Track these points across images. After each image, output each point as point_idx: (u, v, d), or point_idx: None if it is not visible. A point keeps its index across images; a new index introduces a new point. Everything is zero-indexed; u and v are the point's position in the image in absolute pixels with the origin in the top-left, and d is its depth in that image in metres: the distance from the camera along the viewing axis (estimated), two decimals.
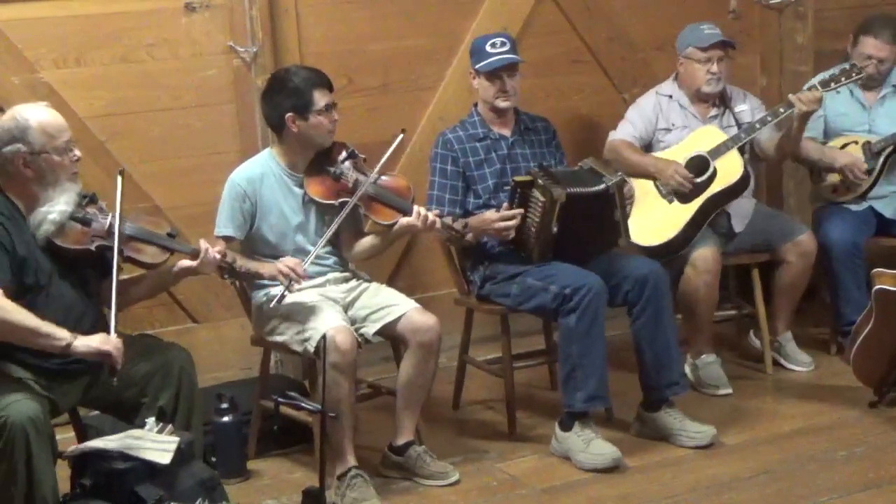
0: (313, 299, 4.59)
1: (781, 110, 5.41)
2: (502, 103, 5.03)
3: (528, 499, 4.53)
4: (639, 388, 4.99)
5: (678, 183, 5.34)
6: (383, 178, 4.74)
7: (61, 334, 3.90)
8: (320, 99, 4.61)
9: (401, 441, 4.70)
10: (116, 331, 3.98)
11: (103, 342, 3.92)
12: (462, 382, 5.42)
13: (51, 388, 4.01)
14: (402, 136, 4.79)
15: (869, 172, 5.62)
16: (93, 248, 4.10)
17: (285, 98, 4.63)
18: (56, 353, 3.93)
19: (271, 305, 4.52)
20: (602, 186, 4.81)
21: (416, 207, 4.64)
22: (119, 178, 4.20)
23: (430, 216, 4.64)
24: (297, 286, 4.51)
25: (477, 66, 5.03)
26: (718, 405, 5.28)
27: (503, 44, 5.01)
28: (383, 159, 4.69)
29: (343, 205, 4.63)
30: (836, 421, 5.06)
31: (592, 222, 4.86)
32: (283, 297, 4.49)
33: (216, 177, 4.81)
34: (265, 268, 4.56)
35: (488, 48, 5.00)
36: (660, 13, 6.26)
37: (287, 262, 4.50)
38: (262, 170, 4.72)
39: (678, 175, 5.34)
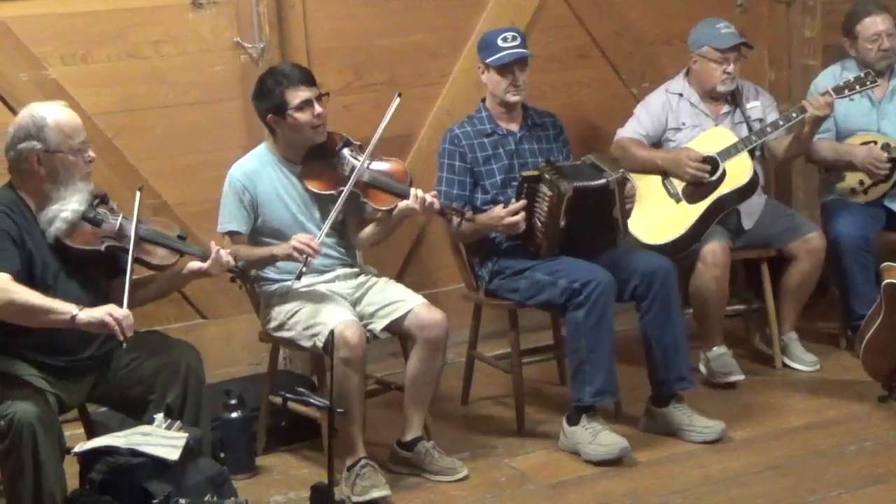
0: (322, 295, 4.59)
1: (794, 115, 5.39)
2: (513, 97, 5.02)
3: (537, 494, 4.53)
4: (647, 383, 4.98)
5: (695, 170, 5.30)
6: (378, 163, 4.73)
7: (65, 308, 3.89)
8: (294, 98, 4.60)
9: (409, 437, 4.70)
10: (130, 306, 3.96)
11: (106, 313, 3.88)
12: (470, 378, 5.42)
13: (58, 385, 4.01)
14: (398, 99, 4.74)
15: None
16: (102, 248, 4.10)
17: (262, 101, 4.67)
18: (63, 327, 3.90)
19: (292, 283, 4.55)
20: (602, 181, 4.80)
21: (413, 190, 4.63)
22: (138, 195, 4.19)
23: (428, 198, 4.62)
24: (313, 261, 4.51)
25: (488, 60, 5.01)
26: (727, 400, 5.27)
27: (514, 38, 5.00)
28: (382, 125, 4.67)
29: (342, 194, 4.62)
30: (846, 415, 5.05)
31: (593, 218, 4.85)
32: (301, 273, 4.49)
33: (223, 173, 4.80)
34: (279, 248, 4.56)
35: (500, 42, 4.99)
36: (667, 7, 6.25)
37: (300, 238, 4.49)
38: (260, 163, 4.73)
39: (692, 162, 5.32)
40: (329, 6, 5.62)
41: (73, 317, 3.88)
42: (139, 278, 4.29)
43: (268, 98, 4.64)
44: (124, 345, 3.95)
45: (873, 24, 5.66)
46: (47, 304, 3.89)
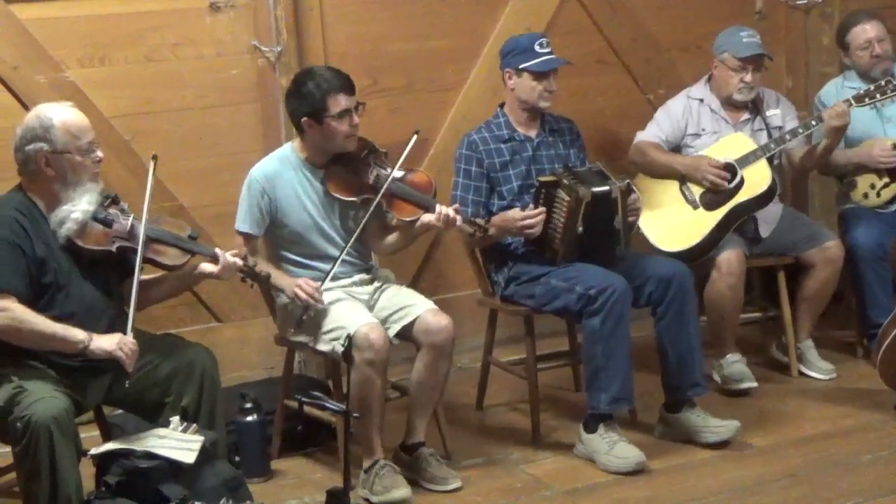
0: (340, 299, 4.59)
1: (813, 123, 5.40)
2: (545, 103, 5.02)
3: (552, 500, 4.51)
4: (661, 389, 4.96)
5: (714, 177, 5.30)
6: (405, 174, 4.71)
7: (78, 336, 3.93)
8: (335, 106, 4.55)
9: (411, 441, 4.69)
10: (134, 330, 3.99)
11: (116, 347, 3.93)
12: (486, 383, 5.41)
13: (74, 387, 4.01)
14: (415, 137, 4.72)
15: None
16: (113, 249, 4.10)
17: (300, 102, 4.60)
18: (75, 354, 3.95)
19: (291, 331, 4.58)
20: (606, 188, 4.79)
21: (438, 207, 4.61)
22: (152, 163, 4.21)
23: (451, 214, 4.60)
24: (312, 311, 4.52)
25: (524, 65, 4.97)
26: (743, 407, 5.24)
27: (548, 44, 5.01)
28: (399, 161, 4.66)
29: (365, 201, 4.62)
30: (862, 424, 5.03)
31: (595, 227, 4.83)
32: (301, 321, 4.53)
33: (240, 176, 4.80)
34: (284, 281, 4.57)
35: (537, 48, 4.97)
36: (685, 13, 6.26)
37: (305, 288, 4.50)
38: (282, 164, 4.70)
39: (711, 169, 5.31)
40: (346, 10, 5.63)
41: (86, 346, 3.93)
42: (150, 278, 4.31)
43: (306, 101, 4.58)
44: (127, 383, 4.00)
45: (863, 31, 5.70)
46: (59, 332, 3.92)
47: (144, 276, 4.25)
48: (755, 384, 5.38)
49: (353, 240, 4.59)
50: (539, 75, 4.98)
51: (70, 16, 5.17)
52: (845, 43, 5.77)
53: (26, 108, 4.94)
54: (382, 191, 4.59)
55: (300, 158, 4.70)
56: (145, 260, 4.11)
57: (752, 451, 4.82)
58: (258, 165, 4.74)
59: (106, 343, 3.94)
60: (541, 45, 4.98)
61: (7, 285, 3.90)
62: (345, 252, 4.59)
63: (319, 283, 4.55)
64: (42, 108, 4.10)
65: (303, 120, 4.61)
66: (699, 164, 5.36)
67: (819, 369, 5.60)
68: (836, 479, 4.52)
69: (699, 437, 4.85)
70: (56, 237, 4.03)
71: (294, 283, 4.53)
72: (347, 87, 4.61)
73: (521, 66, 4.98)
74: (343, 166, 4.67)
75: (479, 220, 4.71)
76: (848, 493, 4.39)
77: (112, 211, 4.14)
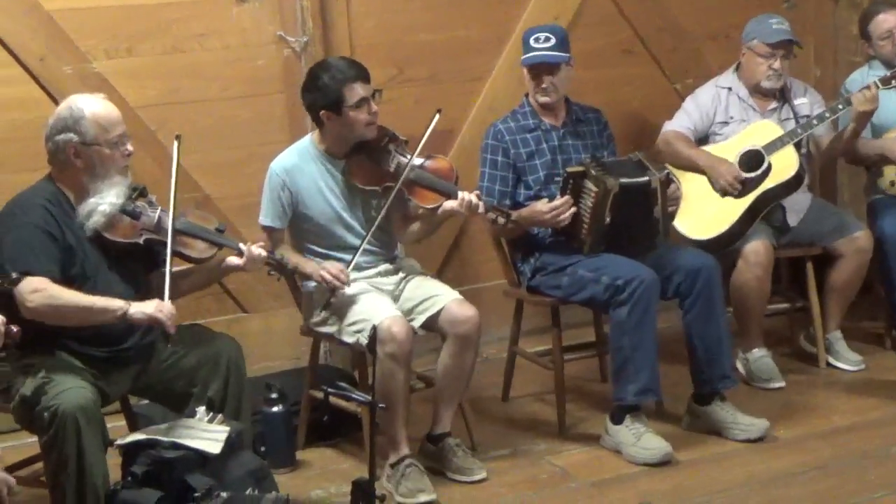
0: (365, 290, 4.58)
1: (840, 107, 5.37)
2: (541, 98, 5.00)
3: (578, 492, 4.51)
4: (689, 381, 4.94)
5: (728, 184, 5.28)
6: (425, 161, 4.70)
7: (115, 304, 3.93)
8: (352, 95, 4.54)
9: (436, 431, 4.69)
10: (171, 298, 4.00)
11: (156, 310, 3.93)
12: (512, 375, 5.40)
13: (100, 377, 4.02)
14: (437, 116, 4.70)
15: None
16: (141, 241, 4.10)
17: (317, 95, 4.59)
18: (115, 323, 3.94)
19: (318, 313, 4.58)
20: (645, 179, 4.77)
21: (461, 193, 4.59)
22: (175, 143, 4.23)
23: (474, 199, 4.58)
24: (340, 292, 4.51)
25: (522, 58, 5.00)
26: (770, 399, 5.23)
27: (547, 39, 4.94)
28: (422, 142, 4.63)
29: (386, 190, 4.61)
30: (890, 416, 5.00)
31: (633, 217, 4.82)
32: (329, 303, 4.52)
33: (265, 167, 4.79)
34: (309, 267, 4.56)
35: (532, 42, 4.96)
36: (712, 3, 6.25)
37: (330, 269, 4.49)
38: (301, 157, 4.69)
39: (729, 176, 5.29)
40: (372, 0, 5.61)
41: (125, 312, 3.92)
42: (178, 270, 4.30)
43: (323, 93, 4.57)
44: (169, 343, 4.01)
45: (884, 21, 5.67)
46: (97, 303, 3.92)
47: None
48: (783, 384, 5.36)
49: (374, 228, 4.59)
50: (530, 70, 4.97)
51: (96, 6, 5.17)
52: (867, 33, 5.75)
53: (53, 99, 4.96)
54: (402, 178, 4.58)
55: (320, 150, 4.69)
56: (173, 253, 4.12)
57: (780, 443, 4.80)
58: (278, 159, 4.73)
59: (146, 307, 3.94)
60: (537, 39, 4.95)
61: (41, 269, 3.89)
62: (366, 241, 4.58)
63: (344, 264, 4.55)
64: (74, 99, 4.10)
65: (321, 112, 4.60)
66: (720, 169, 5.33)
67: (847, 360, 5.57)
68: (865, 471, 4.50)
69: (727, 432, 4.83)
70: (84, 230, 4.03)
71: (320, 268, 4.53)
72: (363, 75, 4.60)
73: (522, 59, 4.99)
74: (364, 156, 4.65)
75: (502, 207, 4.70)
76: (876, 485, 4.37)
77: (140, 203, 4.14)
